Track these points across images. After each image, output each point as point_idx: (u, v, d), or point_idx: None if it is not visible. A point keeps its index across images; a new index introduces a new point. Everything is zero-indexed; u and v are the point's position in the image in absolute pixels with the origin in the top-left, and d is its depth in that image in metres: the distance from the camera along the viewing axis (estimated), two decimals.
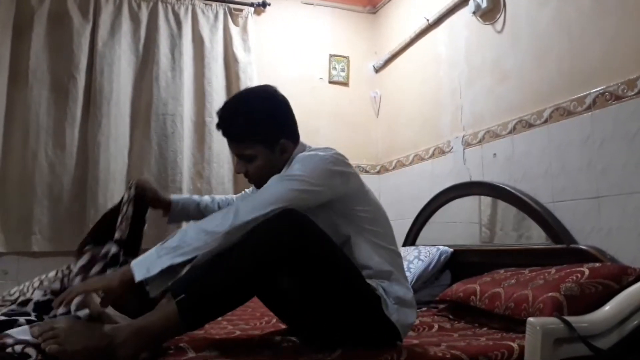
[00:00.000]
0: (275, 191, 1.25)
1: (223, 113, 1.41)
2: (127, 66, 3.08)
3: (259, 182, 1.42)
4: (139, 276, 1.15)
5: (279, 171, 1.38)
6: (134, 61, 3.11)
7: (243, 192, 1.77)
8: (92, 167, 2.90)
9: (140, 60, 3.13)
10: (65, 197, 2.88)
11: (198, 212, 1.66)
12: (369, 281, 1.31)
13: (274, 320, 1.77)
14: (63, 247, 2.82)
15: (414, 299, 1.41)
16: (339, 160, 1.36)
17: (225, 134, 1.40)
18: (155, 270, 1.15)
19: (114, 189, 2.92)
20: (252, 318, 1.90)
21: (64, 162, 2.88)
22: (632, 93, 1.79)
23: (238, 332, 1.58)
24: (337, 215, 1.36)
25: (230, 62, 3.31)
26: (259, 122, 1.38)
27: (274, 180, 1.30)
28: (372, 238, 1.37)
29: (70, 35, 2.96)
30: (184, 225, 1.47)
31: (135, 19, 3.13)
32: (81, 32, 2.98)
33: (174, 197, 1.65)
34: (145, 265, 1.16)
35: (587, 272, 1.60)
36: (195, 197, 1.71)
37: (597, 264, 1.69)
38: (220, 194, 3.12)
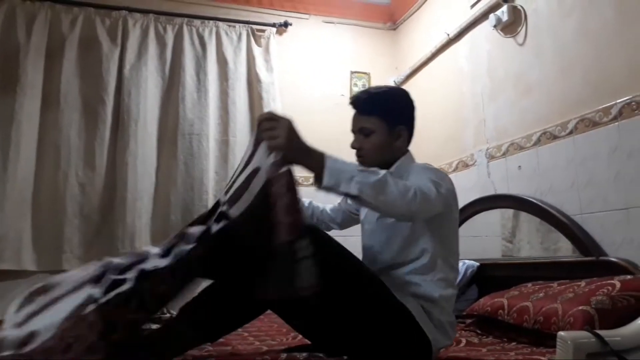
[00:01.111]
0: (432, 189, 1.31)
1: (359, 92, 1.58)
2: (154, 88, 3.16)
3: (369, 160, 1.52)
4: (326, 182, 1.20)
5: (390, 158, 1.52)
6: (160, 83, 3.19)
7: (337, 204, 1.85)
8: (120, 186, 2.97)
9: (166, 82, 3.21)
10: (95, 216, 2.95)
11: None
12: (414, 300, 1.34)
13: (300, 336, 1.77)
14: None
15: (455, 324, 1.44)
16: (448, 177, 1.51)
17: (354, 105, 1.55)
18: (340, 189, 1.20)
19: (141, 208, 2.99)
20: (279, 334, 1.91)
21: (93, 182, 2.96)
22: None
23: (265, 348, 1.59)
24: (425, 229, 1.42)
25: (253, 83, 3.37)
26: (386, 100, 1.54)
27: (425, 180, 1.35)
28: (445, 257, 1.44)
29: (99, 59, 3.05)
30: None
31: (161, 41, 3.22)
32: (110, 56, 3.08)
33: None
34: (335, 177, 1.20)
35: (618, 284, 1.56)
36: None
37: (629, 277, 1.65)
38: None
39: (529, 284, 1.98)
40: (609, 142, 1.96)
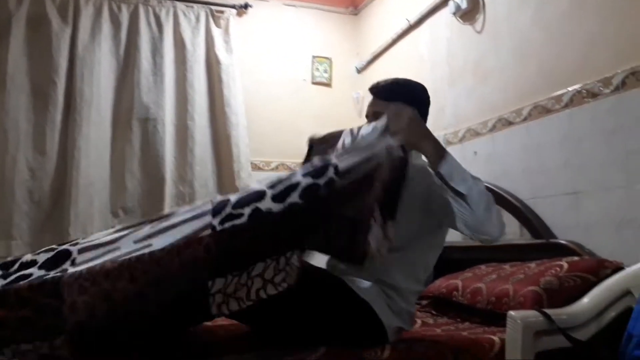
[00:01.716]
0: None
1: (384, 79, 1.59)
2: (108, 70, 3.06)
3: None
4: (441, 170, 1.29)
5: None
6: (114, 65, 3.09)
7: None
8: (72, 171, 2.87)
9: (121, 64, 3.11)
10: (46, 201, 2.85)
11: None
12: (376, 285, 1.38)
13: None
14: None
15: (414, 314, 1.53)
16: None
17: (373, 91, 1.56)
18: (452, 182, 1.29)
19: (93, 194, 2.90)
20: None
21: (44, 167, 2.85)
22: (608, 91, 1.82)
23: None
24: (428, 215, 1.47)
25: (212, 65, 3.30)
26: (407, 92, 1.57)
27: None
28: (427, 252, 1.52)
29: (49, 39, 2.92)
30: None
31: (115, 21, 3.11)
32: (60, 35, 2.95)
33: None
34: (451, 170, 1.30)
35: (566, 266, 1.63)
36: None
37: (576, 258, 1.72)
38: (204, 197, 3.13)
39: (483, 266, 2.03)
40: (560, 129, 2.02)
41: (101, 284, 1.05)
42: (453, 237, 2.60)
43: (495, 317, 1.63)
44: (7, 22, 2.88)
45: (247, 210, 1.13)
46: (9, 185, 2.78)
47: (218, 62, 3.28)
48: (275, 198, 1.14)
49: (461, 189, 1.27)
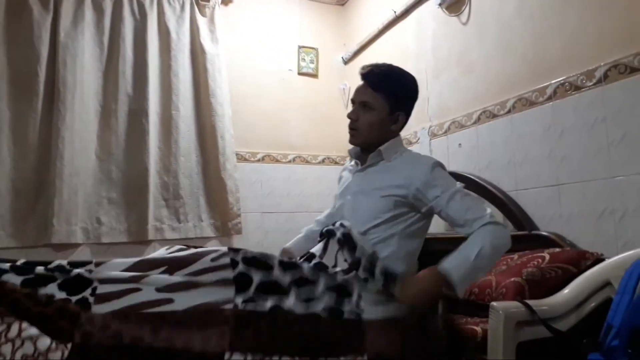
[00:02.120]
0: (482, 204, 1.55)
1: (373, 64, 1.60)
2: (92, 58, 3.00)
3: (361, 135, 1.59)
4: (461, 293, 1.36)
5: (381, 138, 1.59)
6: (98, 53, 3.03)
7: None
8: (56, 161, 2.82)
9: (105, 53, 3.05)
10: (29, 192, 2.80)
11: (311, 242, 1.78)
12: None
13: None
14: (27, 242, 2.76)
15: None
16: None
17: (365, 77, 1.58)
18: (468, 285, 1.41)
19: (77, 184, 2.86)
20: None
21: (26, 156, 2.80)
22: (591, 83, 1.85)
23: None
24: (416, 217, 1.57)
25: (197, 54, 3.26)
26: (397, 83, 1.58)
27: (466, 197, 1.50)
28: (408, 248, 1.58)
29: (30, 26, 2.85)
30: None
31: (98, 8, 3.05)
32: (42, 23, 2.88)
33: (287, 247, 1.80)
34: (466, 283, 1.38)
35: (547, 257, 1.65)
36: (301, 235, 1.86)
37: (557, 249, 1.74)
38: (188, 187, 3.11)
39: None
40: (544, 121, 2.04)
41: (122, 330, 1.10)
42: (435, 229, 2.63)
43: (478, 307, 1.65)
44: None
45: (269, 303, 1.20)
46: None
47: (203, 52, 3.24)
48: (299, 297, 1.23)
49: (481, 277, 1.45)
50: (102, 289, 1.15)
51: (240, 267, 1.23)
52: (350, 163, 1.78)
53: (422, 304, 1.34)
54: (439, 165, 1.53)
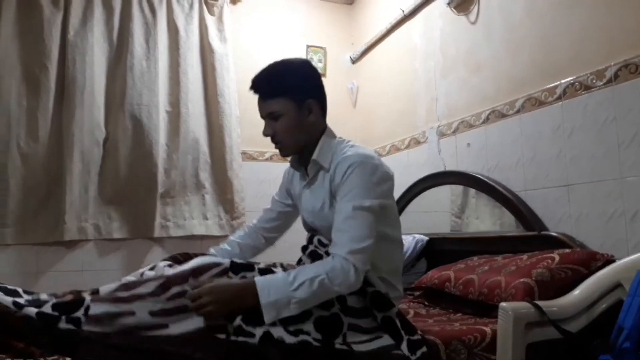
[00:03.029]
0: (367, 234, 1.31)
1: (256, 75, 1.49)
2: (101, 55, 3.01)
3: (286, 144, 1.48)
4: (268, 319, 1.20)
5: (307, 137, 1.48)
6: (107, 50, 3.04)
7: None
8: (66, 158, 2.84)
9: (114, 49, 3.06)
10: (39, 188, 2.81)
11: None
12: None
13: None
14: (37, 239, 2.79)
15: (399, 299, 1.50)
16: (382, 166, 1.43)
17: (256, 91, 1.48)
18: (283, 315, 1.22)
19: (88, 180, 2.88)
20: None
21: (37, 153, 2.81)
22: (601, 83, 1.83)
23: None
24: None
25: (206, 53, 3.27)
26: (285, 76, 1.47)
27: (357, 218, 1.32)
28: (383, 242, 1.43)
29: (40, 24, 2.87)
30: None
31: (107, 6, 3.06)
32: (52, 20, 2.90)
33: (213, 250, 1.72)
34: (276, 309, 1.21)
35: (557, 258, 1.64)
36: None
37: (567, 250, 1.73)
38: (194, 185, 3.11)
39: (475, 258, 2.05)
40: (553, 121, 2.03)
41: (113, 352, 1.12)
42: (444, 228, 2.63)
43: (487, 308, 1.65)
44: None
45: (258, 332, 1.18)
46: (1, 172, 2.74)
47: (212, 51, 3.25)
48: (287, 327, 1.21)
49: (293, 312, 1.23)
50: (94, 309, 1.15)
51: None
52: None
53: (218, 312, 1.19)
54: (358, 165, 1.37)
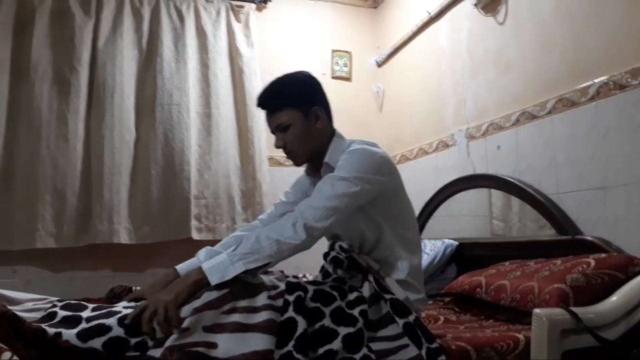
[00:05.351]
0: (331, 197, 1.31)
1: (261, 92, 1.53)
2: (130, 60, 3.06)
3: (297, 153, 1.51)
4: (214, 281, 1.17)
5: (318, 144, 1.50)
6: (137, 55, 3.09)
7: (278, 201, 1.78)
8: (96, 160, 2.89)
9: (143, 54, 3.11)
10: (70, 192, 2.85)
11: None
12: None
13: None
14: (68, 243, 2.82)
15: (422, 302, 1.48)
16: (385, 157, 1.45)
17: (263, 107, 1.52)
18: (229, 276, 1.18)
19: (119, 183, 2.91)
20: None
21: (67, 156, 2.86)
22: (636, 82, 1.78)
23: None
24: (373, 214, 1.42)
25: (234, 56, 3.30)
26: (289, 87, 1.51)
27: (327, 184, 1.34)
28: (401, 244, 1.44)
29: (72, 31, 2.94)
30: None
31: (137, 15, 3.13)
32: (83, 28, 2.96)
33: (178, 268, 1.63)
34: (219, 271, 1.18)
35: (592, 262, 1.59)
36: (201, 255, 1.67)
37: (603, 255, 1.68)
38: (226, 186, 3.12)
39: (507, 263, 2.00)
40: (586, 122, 1.97)
41: None
42: (475, 233, 2.58)
43: (519, 314, 1.61)
44: (30, 14, 2.90)
45: (320, 351, 1.16)
46: (32, 175, 2.79)
47: (240, 54, 3.28)
48: (347, 341, 1.18)
49: (239, 269, 1.18)
50: None
51: (290, 312, 1.18)
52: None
53: (169, 302, 1.11)
54: (356, 150, 1.41)
